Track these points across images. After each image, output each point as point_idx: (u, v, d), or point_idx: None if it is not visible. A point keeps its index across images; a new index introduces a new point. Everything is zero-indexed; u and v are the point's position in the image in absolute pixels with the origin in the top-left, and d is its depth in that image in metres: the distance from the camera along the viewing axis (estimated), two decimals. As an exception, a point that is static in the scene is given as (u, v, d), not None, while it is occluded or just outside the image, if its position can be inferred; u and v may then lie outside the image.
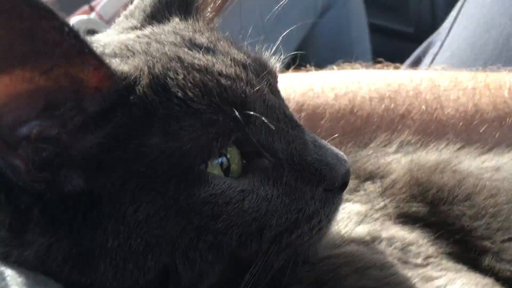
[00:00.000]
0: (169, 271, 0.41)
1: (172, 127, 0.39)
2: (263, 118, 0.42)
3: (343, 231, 0.50)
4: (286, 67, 0.76)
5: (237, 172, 0.42)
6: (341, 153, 0.46)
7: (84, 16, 1.57)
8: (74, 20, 1.55)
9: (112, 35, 0.49)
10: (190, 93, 0.40)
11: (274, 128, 0.42)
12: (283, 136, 0.44)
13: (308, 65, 0.83)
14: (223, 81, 0.41)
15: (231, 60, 0.44)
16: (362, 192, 0.56)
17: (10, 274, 0.38)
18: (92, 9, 1.61)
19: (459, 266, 0.50)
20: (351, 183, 0.56)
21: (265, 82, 0.45)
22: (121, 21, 0.52)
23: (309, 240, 0.44)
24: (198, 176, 0.40)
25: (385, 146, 0.62)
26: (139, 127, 0.39)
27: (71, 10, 1.73)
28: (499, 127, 0.64)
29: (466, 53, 0.88)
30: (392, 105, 0.69)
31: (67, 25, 0.35)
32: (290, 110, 0.70)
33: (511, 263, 0.49)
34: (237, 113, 0.40)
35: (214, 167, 0.41)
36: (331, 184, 0.44)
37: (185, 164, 0.40)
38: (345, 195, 0.55)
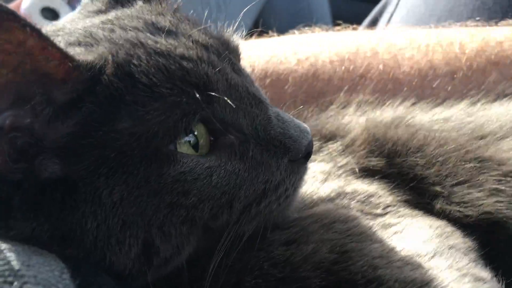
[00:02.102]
0: (149, 245, 0.43)
1: (138, 112, 0.41)
2: (225, 98, 0.43)
3: (310, 190, 0.54)
4: (249, 35, 0.77)
5: (206, 148, 0.44)
6: (303, 125, 0.48)
7: (40, -7, 1.52)
8: (30, -3, 1.50)
9: (77, 21, 0.49)
10: (153, 78, 0.41)
11: (234, 107, 0.44)
12: (247, 112, 0.46)
13: (270, 32, 0.85)
14: (185, 63, 0.43)
15: (192, 42, 0.45)
16: (325, 152, 0.59)
17: (6, 245, 0.40)
18: (47, -15, 1.56)
19: (415, 212, 0.54)
20: (315, 145, 0.59)
21: (227, 62, 0.46)
22: (86, 3, 0.53)
23: (277, 208, 0.47)
24: (167, 156, 0.42)
25: (344, 107, 0.65)
26: (107, 114, 0.41)
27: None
28: (450, 81, 0.68)
29: (420, 10, 0.91)
30: (351, 67, 0.71)
31: (29, 25, 0.36)
32: (255, 77, 0.72)
33: (460, 205, 0.53)
34: (197, 94, 0.42)
35: (183, 145, 0.43)
36: (295, 155, 0.47)
37: (154, 145, 0.41)
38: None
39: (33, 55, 0.38)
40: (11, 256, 0.40)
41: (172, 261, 0.45)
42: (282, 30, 0.85)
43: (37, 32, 0.37)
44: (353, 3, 2.08)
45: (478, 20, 0.76)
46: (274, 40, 0.81)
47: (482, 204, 0.52)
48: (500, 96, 0.64)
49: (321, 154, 0.58)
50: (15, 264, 0.39)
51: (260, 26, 0.81)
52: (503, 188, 0.53)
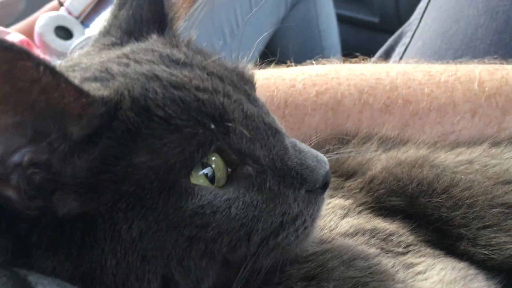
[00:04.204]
0: (168, 280, 0.43)
1: (155, 145, 0.41)
2: (241, 127, 0.43)
3: (328, 226, 0.53)
4: (259, 62, 0.78)
5: (223, 181, 0.44)
6: (320, 155, 0.48)
7: (54, 13, 1.55)
8: (44, 16, 1.52)
9: (93, 54, 0.50)
10: (169, 111, 0.42)
11: (249, 136, 0.44)
12: (264, 143, 0.45)
13: (288, 61, 0.85)
14: (200, 95, 0.43)
15: (207, 73, 0.46)
16: (345, 189, 0.59)
17: (33, 278, 0.40)
18: (61, 4, 1.58)
19: (437, 252, 0.53)
20: (335, 182, 0.59)
21: (243, 93, 0.47)
22: (98, 38, 0.53)
23: (295, 240, 0.47)
24: (185, 189, 0.42)
25: (365, 142, 0.65)
26: (124, 149, 0.41)
27: (40, 5, 1.70)
28: (471, 119, 0.68)
29: (436, 43, 0.92)
30: (370, 100, 0.71)
31: (43, 63, 0.37)
32: (274, 106, 0.72)
33: (486, 247, 0.53)
34: (212, 125, 0.42)
35: (199, 178, 0.43)
36: (312, 186, 0.47)
37: (171, 178, 0.41)
38: (330, 191, 0.58)
39: (48, 93, 0.38)
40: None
41: None
42: (293, 57, 0.86)
43: (50, 70, 0.37)
44: (361, 31, 2.12)
45: (496, 58, 0.76)
46: (292, 70, 0.81)
47: (509, 248, 0.52)
48: None
49: (341, 191, 0.58)
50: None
51: (271, 54, 0.81)
52: None
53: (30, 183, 0.40)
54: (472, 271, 0.51)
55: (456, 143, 0.64)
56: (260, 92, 0.76)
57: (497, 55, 0.77)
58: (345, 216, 0.55)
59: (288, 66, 0.82)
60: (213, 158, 0.43)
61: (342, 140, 0.67)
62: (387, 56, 1.04)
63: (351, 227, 0.54)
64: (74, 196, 0.41)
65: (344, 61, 0.84)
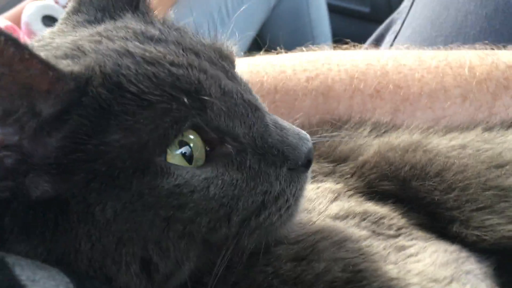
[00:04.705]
0: (147, 263, 0.42)
1: (128, 122, 0.40)
2: (218, 103, 0.42)
3: (318, 208, 0.53)
4: (249, 50, 0.77)
5: (202, 160, 0.43)
6: (302, 132, 0.47)
7: (41, 2, 1.52)
8: (31, 6, 1.50)
9: (66, 33, 0.48)
10: (142, 87, 0.40)
11: (227, 111, 0.43)
12: (243, 120, 0.44)
13: (278, 48, 0.84)
14: (174, 70, 0.42)
15: (183, 49, 0.45)
16: (337, 174, 0.58)
17: (11, 259, 0.39)
18: (48, -7, 1.56)
19: (428, 235, 0.53)
20: (327, 167, 0.58)
21: (220, 68, 0.46)
22: (67, 17, 0.51)
23: (279, 219, 0.46)
24: (160, 167, 0.41)
25: (358, 128, 0.64)
26: (96, 127, 0.40)
27: (27, -5, 1.67)
28: (462, 104, 0.68)
29: (426, 30, 0.91)
30: (361, 86, 0.71)
31: (4, 33, 0.35)
32: (265, 91, 0.72)
33: (478, 229, 0.52)
34: (187, 100, 0.40)
35: (176, 157, 0.42)
36: (294, 163, 0.46)
37: (145, 157, 0.40)
38: (321, 177, 0.57)
39: (11, 65, 0.37)
40: (16, 270, 0.38)
41: (173, 278, 0.44)
42: (283, 45, 0.85)
43: (13, 41, 0.36)
44: (352, 21, 2.12)
45: (486, 43, 0.76)
46: (282, 57, 0.81)
47: (502, 229, 0.52)
48: None
49: (333, 176, 0.58)
50: (21, 279, 0.38)
51: (262, 42, 0.80)
52: None
53: (1, 166, 0.39)
54: (464, 253, 0.51)
55: (449, 128, 0.64)
56: (250, 78, 0.76)
57: (487, 41, 0.77)
58: (335, 199, 0.55)
59: (278, 53, 0.82)
60: (191, 137, 0.42)
61: (335, 125, 0.66)
62: (377, 44, 1.03)
63: (341, 210, 0.53)
64: (46, 178, 0.40)
65: (334, 48, 0.84)
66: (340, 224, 0.51)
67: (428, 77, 0.70)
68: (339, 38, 0.86)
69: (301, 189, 0.47)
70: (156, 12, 0.54)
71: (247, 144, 0.44)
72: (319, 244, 0.48)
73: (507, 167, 0.56)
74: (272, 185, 0.45)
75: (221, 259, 0.44)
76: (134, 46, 0.43)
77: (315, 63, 0.75)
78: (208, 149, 0.43)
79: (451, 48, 0.77)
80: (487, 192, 0.54)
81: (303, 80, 0.73)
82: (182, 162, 0.42)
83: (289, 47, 0.85)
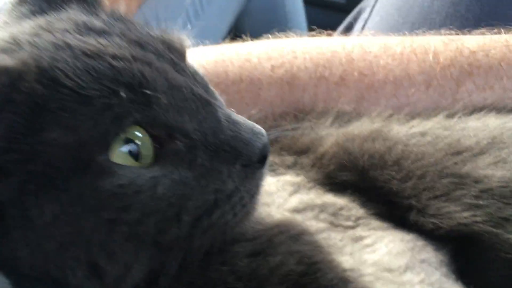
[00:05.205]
0: (95, 267, 0.40)
1: (66, 119, 0.38)
2: (165, 98, 0.40)
3: (277, 202, 0.52)
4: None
5: (150, 158, 0.41)
6: (257, 126, 0.45)
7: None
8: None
9: (9, 25, 0.46)
10: (80, 81, 0.38)
11: (170, 104, 0.41)
12: (193, 115, 0.42)
13: (244, 36, 0.83)
14: (116, 63, 0.40)
15: (127, 42, 0.42)
16: (297, 167, 0.57)
17: None
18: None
19: (385, 225, 0.53)
20: (289, 159, 0.57)
21: (168, 61, 0.43)
22: (13, 8, 0.49)
23: (233, 218, 0.44)
24: (101, 167, 0.38)
25: (321, 118, 0.63)
26: (30, 125, 0.37)
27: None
28: (426, 90, 0.67)
29: (393, 17, 0.91)
30: (326, 73, 0.70)
31: None
32: (229, 81, 0.70)
33: (435, 216, 0.52)
34: (129, 95, 0.38)
35: (121, 156, 0.40)
36: (248, 160, 0.44)
37: (85, 156, 0.38)
38: (283, 170, 0.56)
39: None
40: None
41: (124, 281, 0.42)
42: (259, 38, 0.84)
43: None
44: (329, 13, 2.11)
45: (452, 29, 0.76)
46: (247, 45, 0.79)
47: (458, 216, 0.52)
48: (477, 109, 0.64)
49: (294, 169, 0.57)
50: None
51: (233, 32, 0.79)
52: (480, 203, 0.52)
53: None
54: (420, 242, 0.51)
55: (412, 115, 0.64)
56: (215, 67, 0.74)
57: (453, 27, 0.76)
58: (294, 192, 0.54)
59: (243, 41, 0.80)
60: (138, 134, 0.40)
61: (298, 116, 0.65)
62: (347, 32, 1.02)
63: (300, 202, 0.52)
64: None
65: (301, 36, 0.82)
66: (298, 218, 0.50)
67: (393, 64, 0.69)
68: (316, 30, 0.84)
69: (256, 186, 0.46)
70: (117, 5, 0.52)
71: (198, 140, 0.42)
72: (275, 239, 0.47)
73: (465, 154, 0.55)
74: (225, 182, 0.43)
75: (173, 260, 0.42)
76: (73, 39, 0.41)
77: (280, 51, 0.74)
78: (157, 146, 0.41)
79: (417, 35, 0.76)
80: (443, 180, 0.54)
81: (268, 68, 0.71)
82: (128, 161, 0.40)
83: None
